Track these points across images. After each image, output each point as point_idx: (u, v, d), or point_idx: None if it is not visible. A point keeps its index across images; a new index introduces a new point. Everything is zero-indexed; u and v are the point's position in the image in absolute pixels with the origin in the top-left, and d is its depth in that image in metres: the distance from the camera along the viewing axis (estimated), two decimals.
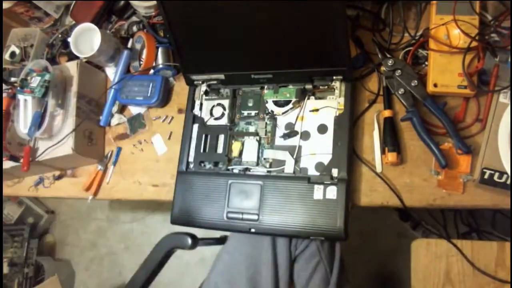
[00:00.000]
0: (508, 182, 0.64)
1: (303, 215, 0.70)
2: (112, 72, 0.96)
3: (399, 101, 0.72)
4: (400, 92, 0.71)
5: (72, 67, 0.91)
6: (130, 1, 0.93)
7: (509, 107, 0.66)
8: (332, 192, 0.69)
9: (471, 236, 1.21)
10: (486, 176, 0.65)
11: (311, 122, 0.75)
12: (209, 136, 0.81)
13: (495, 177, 0.65)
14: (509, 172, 0.64)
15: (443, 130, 0.69)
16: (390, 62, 0.71)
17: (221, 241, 1.04)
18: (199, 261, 1.69)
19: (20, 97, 0.90)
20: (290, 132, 0.76)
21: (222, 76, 0.81)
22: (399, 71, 0.71)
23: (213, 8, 0.72)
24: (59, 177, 0.97)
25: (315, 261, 0.80)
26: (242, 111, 0.81)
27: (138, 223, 1.81)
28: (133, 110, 0.93)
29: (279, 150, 0.76)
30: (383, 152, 0.72)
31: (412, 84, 0.70)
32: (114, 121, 0.93)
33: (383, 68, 0.73)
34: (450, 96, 0.71)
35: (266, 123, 0.79)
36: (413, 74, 0.71)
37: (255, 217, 0.72)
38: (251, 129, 0.80)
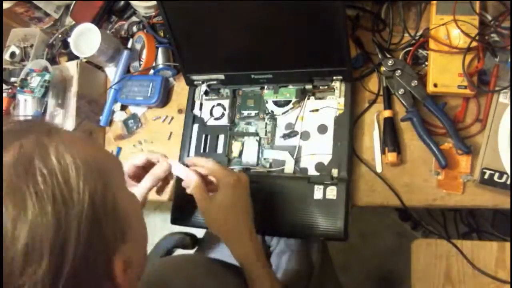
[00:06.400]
0: (508, 182, 0.64)
1: (303, 215, 0.70)
2: (112, 72, 0.96)
3: (399, 101, 0.72)
4: (400, 92, 0.71)
5: (72, 67, 0.91)
6: (130, 1, 0.93)
7: (509, 107, 0.66)
8: (332, 192, 0.69)
9: (471, 236, 1.21)
10: (486, 176, 0.65)
11: (311, 122, 0.75)
12: (209, 136, 0.81)
13: (495, 177, 0.65)
14: (509, 172, 0.64)
15: (443, 130, 0.69)
16: (390, 62, 0.71)
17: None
18: None
19: (20, 97, 0.90)
20: (290, 132, 0.76)
21: (222, 76, 0.80)
22: (399, 71, 0.71)
23: (213, 8, 0.72)
24: None
25: (286, 255, 0.83)
26: (242, 111, 0.81)
27: None
28: (133, 110, 0.93)
29: (279, 150, 0.76)
30: (383, 152, 0.72)
31: (412, 84, 0.70)
32: (115, 120, 0.93)
33: (383, 68, 0.73)
34: (450, 96, 0.71)
35: (266, 123, 0.79)
36: (413, 74, 0.71)
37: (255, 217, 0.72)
38: (251, 129, 0.80)
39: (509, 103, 0.67)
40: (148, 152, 0.67)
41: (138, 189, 0.64)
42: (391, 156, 0.70)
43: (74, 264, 0.33)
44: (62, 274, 0.32)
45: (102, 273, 0.37)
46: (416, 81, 0.70)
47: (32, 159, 0.34)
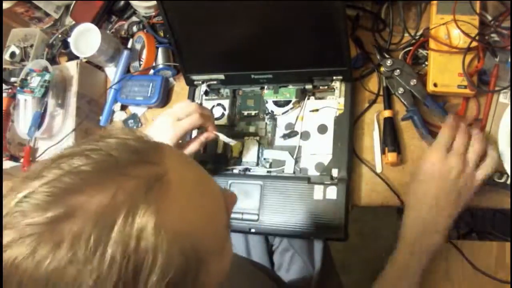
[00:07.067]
0: (509, 182, 0.64)
1: (303, 215, 0.70)
2: (112, 72, 0.96)
3: (399, 101, 0.72)
4: (399, 92, 0.71)
5: (72, 67, 0.91)
6: (130, 1, 0.93)
7: (509, 107, 0.66)
8: (332, 192, 0.69)
9: (471, 236, 1.20)
10: None
11: (311, 122, 0.75)
12: None
13: (495, 177, 0.64)
14: (509, 172, 0.64)
15: None
16: (389, 62, 0.71)
17: None
18: None
19: (20, 97, 0.90)
20: (290, 132, 0.76)
21: (222, 76, 0.80)
22: (398, 70, 0.71)
23: (213, 8, 0.72)
24: None
25: (289, 254, 0.84)
26: (242, 111, 0.81)
27: None
28: (133, 110, 0.93)
29: (279, 150, 0.76)
30: (383, 152, 0.72)
31: (411, 83, 0.70)
32: (115, 120, 0.94)
33: (382, 68, 0.73)
34: (450, 96, 0.71)
35: (266, 123, 0.79)
36: (412, 73, 0.71)
37: (255, 217, 0.72)
38: (251, 129, 0.80)
39: (509, 103, 0.67)
40: (200, 115, 0.67)
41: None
42: (391, 156, 0.70)
43: None
44: None
45: None
46: (415, 80, 0.70)
47: (113, 226, 0.28)
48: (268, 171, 0.76)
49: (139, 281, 0.28)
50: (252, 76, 0.78)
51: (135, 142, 0.33)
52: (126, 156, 0.31)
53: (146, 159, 0.32)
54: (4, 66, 1.01)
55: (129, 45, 0.93)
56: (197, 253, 0.32)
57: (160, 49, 0.91)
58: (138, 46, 0.92)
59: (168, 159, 0.34)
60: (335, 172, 0.70)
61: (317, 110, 0.75)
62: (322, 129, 0.74)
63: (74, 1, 1.00)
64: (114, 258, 0.27)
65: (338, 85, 0.74)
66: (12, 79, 0.97)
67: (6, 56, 1.01)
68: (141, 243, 0.28)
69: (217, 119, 0.82)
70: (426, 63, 0.73)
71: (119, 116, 0.93)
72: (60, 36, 1.02)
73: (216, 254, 0.35)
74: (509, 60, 0.66)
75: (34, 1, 1.00)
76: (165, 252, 0.29)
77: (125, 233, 0.28)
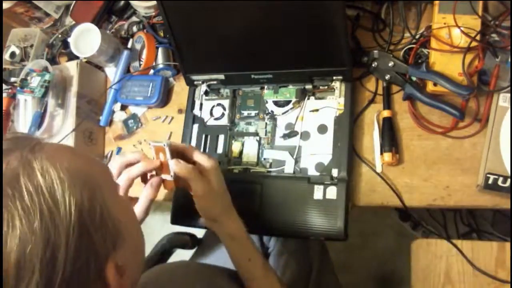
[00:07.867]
0: None
1: (303, 215, 0.70)
2: (112, 72, 0.96)
3: (398, 102, 0.72)
4: (387, 78, 0.72)
5: (72, 67, 0.91)
6: (130, 1, 0.93)
7: (509, 111, 0.66)
8: (332, 192, 0.69)
9: (471, 236, 1.21)
10: (490, 181, 0.65)
11: (311, 122, 0.75)
12: (209, 136, 0.81)
13: (499, 182, 0.64)
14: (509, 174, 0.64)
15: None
16: (364, 59, 0.74)
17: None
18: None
19: (20, 97, 0.90)
20: (290, 132, 0.76)
21: (222, 76, 0.81)
22: (375, 62, 0.73)
23: (213, 8, 0.72)
24: None
25: (284, 257, 0.84)
26: (242, 111, 0.81)
27: None
28: (133, 110, 0.93)
29: (279, 150, 0.76)
30: (381, 152, 0.72)
31: (390, 65, 0.72)
32: (115, 120, 0.93)
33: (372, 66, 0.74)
34: (450, 95, 0.71)
35: (266, 123, 0.79)
36: (387, 55, 0.72)
37: (255, 217, 0.72)
38: (251, 129, 0.80)
39: (509, 106, 0.67)
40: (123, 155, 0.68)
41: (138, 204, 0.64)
42: (387, 156, 0.70)
43: (64, 275, 0.34)
44: (54, 285, 0.33)
45: (95, 281, 0.37)
46: (392, 62, 0.72)
47: (18, 176, 0.34)
48: (268, 171, 0.76)
49: (59, 203, 0.35)
50: (252, 76, 0.78)
51: (9, 136, 0.40)
52: (5, 144, 0.38)
53: (23, 140, 0.39)
54: (4, 66, 1.01)
55: (129, 45, 0.93)
56: (92, 185, 0.39)
57: (160, 49, 0.91)
58: (138, 46, 0.92)
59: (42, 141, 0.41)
60: (335, 172, 0.70)
61: (317, 110, 0.75)
62: (322, 129, 0.74)
63: (74, 1, 1.00)
64: (30, 193, 0.34)
65: (338, 85, 0.74)
66: (12, 79, 0.97)
67: (6, 56, 1.01)
68: (46, 176, 0.35)
69: (217, 119, 0.82)
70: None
71: (119, 116, 0.93)
72: (60, 36, 1.02)
73: (111, 194, 0.41)
74: (509, 60, 0.66)
75: (34, 1, 1.00)
76: (68, 176, 0.36)
77: (30, 176, 0.35)
